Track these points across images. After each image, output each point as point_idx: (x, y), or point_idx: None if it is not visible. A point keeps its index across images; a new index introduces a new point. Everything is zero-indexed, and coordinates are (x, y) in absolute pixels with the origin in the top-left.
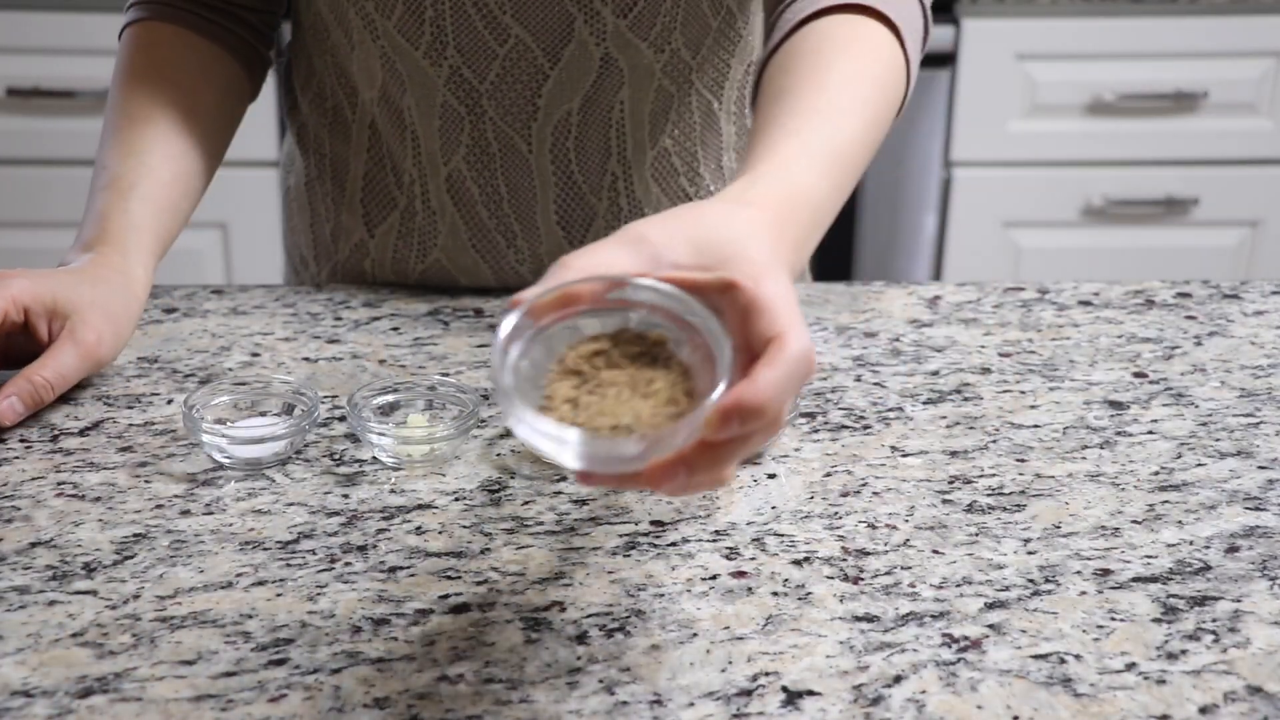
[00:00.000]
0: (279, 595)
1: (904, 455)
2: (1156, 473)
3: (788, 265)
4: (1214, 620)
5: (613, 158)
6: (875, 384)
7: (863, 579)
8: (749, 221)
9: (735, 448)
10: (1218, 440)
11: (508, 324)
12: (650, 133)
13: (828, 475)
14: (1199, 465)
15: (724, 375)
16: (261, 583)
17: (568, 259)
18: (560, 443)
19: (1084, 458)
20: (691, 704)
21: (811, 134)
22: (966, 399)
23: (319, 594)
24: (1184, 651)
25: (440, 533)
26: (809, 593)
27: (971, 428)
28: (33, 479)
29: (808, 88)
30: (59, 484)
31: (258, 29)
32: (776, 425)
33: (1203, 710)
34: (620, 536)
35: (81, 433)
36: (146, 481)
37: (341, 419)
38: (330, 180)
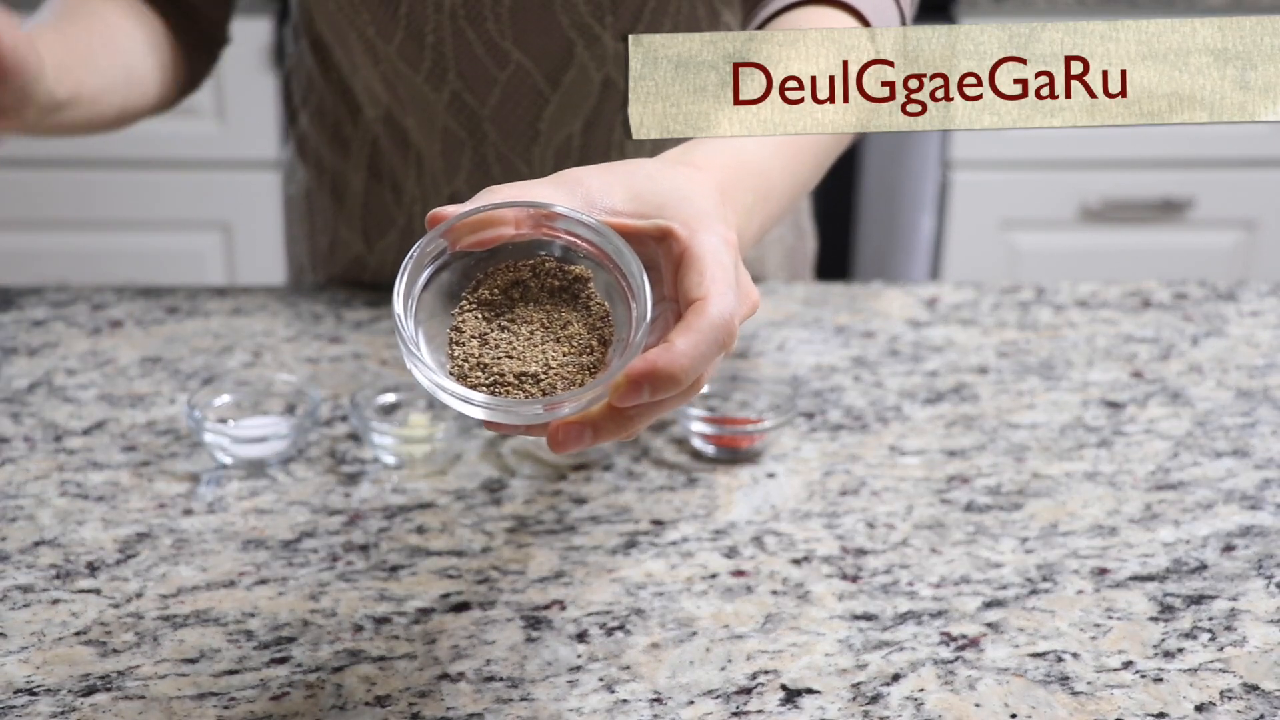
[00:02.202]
0: (281, 594)
1: (902, 455)
2: (1153, 472)
3: (732, 226)
4: (1210, 619)
5: None
6: (874, 384)
7: (861, 578)
8: (688, 178)
9: (645, 412)
10: (1214, 440)
11: (423, 243)
12: (652, 151)
13: (826, 475)
14: (1195, 465)
15: (638, 333)
16: (264, 581)
17: (496, 187)
18: (465, 402)
19: (1081, 457)
20: (691, 702)
21: None
22: (964, 399)
23: (321, 592)
24: (1181, 650)
25: (441, 531)
26: (808, 591)
27: (969, 427)
28: (36, 478)
29: None
30: (62, 483)
31: (205, 31)
32: (695, 391)
33: (1199, 708)
34: (620, 535)
35: (85, 432)
36: (149, 481)
37: (343, 419)
38: (329, 194)
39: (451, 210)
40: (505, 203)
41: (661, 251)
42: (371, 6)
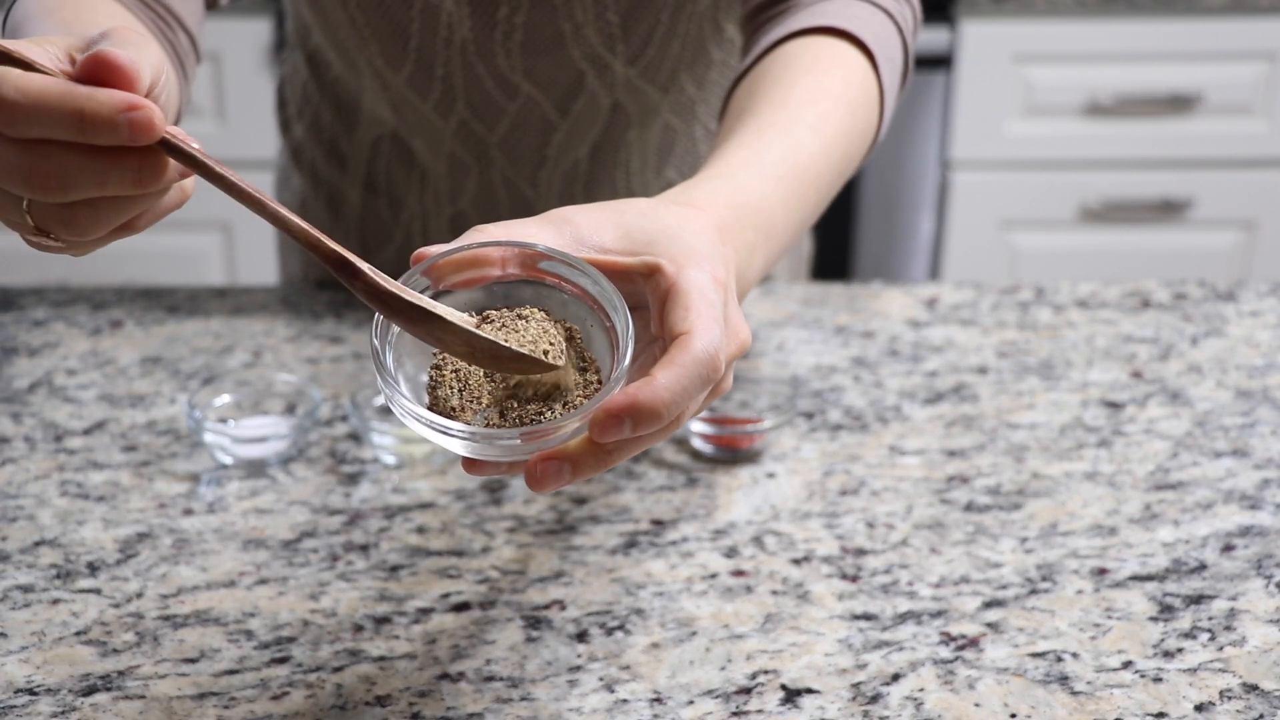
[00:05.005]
0: (281, 594)
1: (902, 455)
2: (1153, 472)
3: (729, 265)
4: (1210, 619)
5: (619, 195)
6: (873, 384)
7: (861, 578)
8: (683, 217)
9: (625, 447)
10: (1214, 440)
11: (403, 281)
12: (656, 166)
13: (826, 474)
14: (1195, 465)
15: (619, 368)
16: (264, 581)
17: (483, 226)
18: (444, 433)
19: (1081, 457)
20: (691, 702)
21: (765, 147)
22: (964, 399)
23: (321, 592)
24: (1180, 650)
25: (441, 531)
26: (808, 591)
27: (969, 427)
28: (36, 478)
29: (769, 105)
30: (63, 483)
31: (183, 40)
32: (676, 427)
33: (1199, 708)
34: (620, 535)
35: (85, 432)
36: (149, 481)
37: (343, 418)
38: (325, 205)
39: (434, 250)
40: (490, 242)
41: (649, 288)
42: (381, 39)
